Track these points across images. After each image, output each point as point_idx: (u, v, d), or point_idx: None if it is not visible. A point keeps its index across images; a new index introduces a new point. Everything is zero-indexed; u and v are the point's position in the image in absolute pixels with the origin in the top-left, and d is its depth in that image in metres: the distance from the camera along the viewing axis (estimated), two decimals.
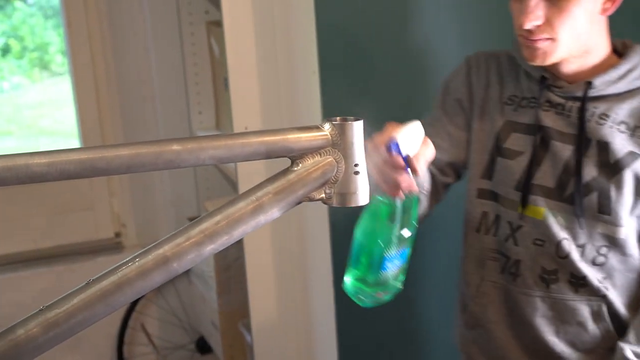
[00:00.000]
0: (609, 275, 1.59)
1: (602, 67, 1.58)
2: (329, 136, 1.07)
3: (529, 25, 1.47)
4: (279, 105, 2.44)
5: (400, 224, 1.38)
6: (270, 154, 1.05)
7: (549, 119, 1.60)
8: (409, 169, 1.30)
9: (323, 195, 1.09)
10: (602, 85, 1.55)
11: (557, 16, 1.47)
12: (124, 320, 3.29)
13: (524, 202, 1.58)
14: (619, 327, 1.61)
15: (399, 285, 1.44)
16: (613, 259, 1.59)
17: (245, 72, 2.41)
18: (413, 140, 1.34)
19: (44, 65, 3.60)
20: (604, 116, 1.54)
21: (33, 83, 3.60)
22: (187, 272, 3.29)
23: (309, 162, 1.07)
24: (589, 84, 1.55)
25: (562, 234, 1.58)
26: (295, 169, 1.07)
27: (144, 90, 3.26)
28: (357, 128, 1.08)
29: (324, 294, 2.45)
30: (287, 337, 2.62)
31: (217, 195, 3.24)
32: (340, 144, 1.07)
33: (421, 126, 1.36)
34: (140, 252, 1.01)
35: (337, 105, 2.28)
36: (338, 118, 1.08)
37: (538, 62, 1.52)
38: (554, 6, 1.47)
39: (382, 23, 2.36)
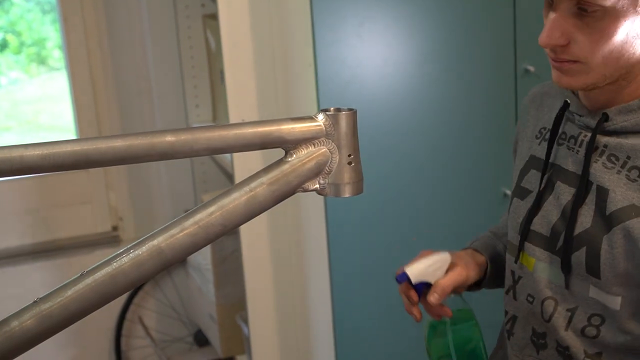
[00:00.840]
0: (603, 352, 1.30)
1: (635, 96, 1.29)
2: (323, 127, 1.07)
3: (546, 44, 1.23)
4: (275, 98, 2.45)
5: (454, 344, 1.47)
6: (264, 145, 1.05)
7: (561, 154, 1.37)
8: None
9: (317, 185, 1.08)
10: (618, 116, 1.27)
11: (587, 37, 1.20)
12: (122, 313, 3.29)
13: (520, 249, 1.40)
14: None
15: None
16: (607, 334, 1.30)
17: (241, 65, 2.41)
18: (434, 268, 1.45)
19: (42, 61, 3.60)
20: (614, 157, 1.28)
21: (31, 78, 3.60)
22: (184, 265, 3.29)
23: (303, 152, 1.07)
24: (604, 115, 1.28)
25: (547, 291, 1.34)
26: (289, 159, 1.07)
27: (141, 84, 3.26)
28: (350, 118, 1.08)
29: (321, 286, 2.45)
30: (285, 329, 2.63)
31: (214, 187, 3.25)
32: (334, 135, 1.07)
33: (449, 256, 1.48)
34: (134, 243, 1.01)
35: (333, 97, 2.28)
36: (332, 108, 1.08)
37: (564, 86, 1.29)
38: (583, 24, 1.20)
39: (379, 15, 2.36)
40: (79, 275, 0.99)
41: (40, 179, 3.24)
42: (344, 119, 1.08)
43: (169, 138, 1.00)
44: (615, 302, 1.28)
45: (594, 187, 1.29)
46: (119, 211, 3.35)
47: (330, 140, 1.08)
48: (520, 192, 1.44)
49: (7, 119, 3.63)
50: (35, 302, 0.97)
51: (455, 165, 2.55)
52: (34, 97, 3.66)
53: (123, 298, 3.27)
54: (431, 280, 1.45)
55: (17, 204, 3.21)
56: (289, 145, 1.07)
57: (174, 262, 1.03)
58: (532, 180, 1.42)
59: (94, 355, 3.33)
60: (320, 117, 1.08)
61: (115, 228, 3.36)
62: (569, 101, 1.36)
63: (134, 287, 1.02)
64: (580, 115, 1.33)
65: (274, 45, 2.41)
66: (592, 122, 1.30)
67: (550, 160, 1.39)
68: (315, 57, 2.24)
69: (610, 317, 1.29)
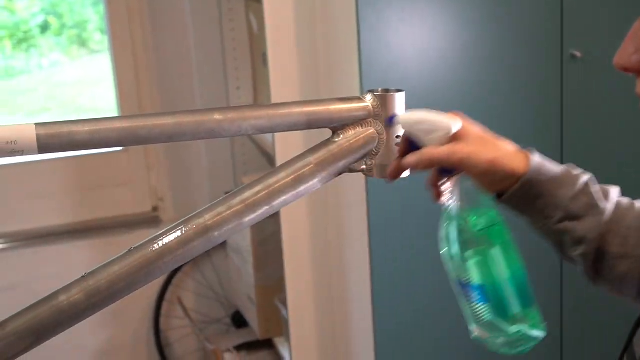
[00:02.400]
0: None
1: None
2: (371, 107, 1.07)
3: (617, 62, 0.97)
4: (318, 81, 2.44)
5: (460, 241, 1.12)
6: (311, 125, 1.05)
7: None
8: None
9: (364, 166, 1.08)
10: None
11: None
12: (161, 293, 3.32)
13: None
14: None
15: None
16: None
17: (284, 48, 2.41)
18: (428, 128, 1.09)
19: (83, 43, 3.62)
20: None
21: (71, 60, 3.62)
22: (224, 246, 3.31)
23: (350, 133, 1.07)
24: None
25: None
26: (337, 139, 1.07)
27: (183, 67, 3.27)
28: (399, 99, 1.07)
29: (360, 269, 2.45)
30: (323, 312, 2.63)
31: (254, 169, 3.25)
32: (381, 115, 1.07)
33: (453, 125, 1.11)
34: (181, 220, 1.02)
35: (376, 81, 2.26)
36: (380, 89, 1.08)
37: None
38: None
39: None
40: (126, 251, 1.00)
41: (81, 159, 3.27)
42: (392, 100, 1.07)
43: (217, 116, 1.00)
44: None
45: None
46: (159, 192, 3.38)
47: (377, 121, 1.07)
48: None
49: (47, 100, 3.66)
50: (83, 276, 0.98)
51: None
52: (74, 80, 3.68)
53: (162, 278, 3.29)
54: (420, 140, 1.09)
55: (58, 183, 3.24)
56: (336, 125, 1.07)
57: (220, 241, 1.03)
58: None
59: (133, 335, 3.36)
60: (369, 97, 1.07)
61: (155, 209, 3.38)
62: None
63: (181, 264, 1.02)
64: None
65: (317, 27, 2.40)
66: None
67: None
68: (359, 40, 2.23)
69: None
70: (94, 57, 3.63)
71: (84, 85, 3.71)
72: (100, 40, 3.56)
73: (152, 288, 3.30)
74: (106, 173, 3.30)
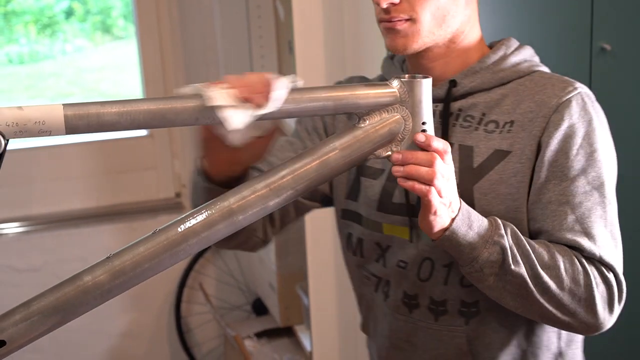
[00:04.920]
0: (480, 300, 1.36)
1: (470, 63, 1.38)
2: (397, 93, 1.07)
3: (385, 3, 1.28)
4: (344, 69, 2.43)
5: None
6: (337, 110, 1.05)
7: None
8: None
9: (389, 152, 1.08)
10: (465, 80, 1.36)
11: None
12: (183, 279, 3.33)
13: (386, 222, 1.40)
14: None
15: None
16: None
17: (311, 35, 2.40)
18: None
19: (106, 29, 3.63)
20: (469, 118, 1.36)
21: (95, 46, 3.64)
22: None
23: (376, 119, 1.06)
24: (452, 83, 1.36)
25: (424, 253, 1.37)
26: (362, 125, 1.06)
27: (208, 54, 3.27)
28: (425, 85, 1.07)
29: None
30: (345, 300, 2.63)
31: None
32: (408, 102, 1.06)
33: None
34: (206, 204, 1.02)
35: None
36: (406, 75, 1.07)
37: (401, 49, 1.31)
38: None
39: None
40: (151, 233, 1.00)
41: (106, 144, 3.29)
42: (418, 86, 1.07)
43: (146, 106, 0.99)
44: None
45: (455, 147, 1.33)
46: (183, 178, 3.39)
47: (404, 107, 1.07)
48: (368, 171, 1.43)
49: (70, 85, 3.68)
50: (108, 257, 0.99)
51: None
52: (97, 65, 3.70)
53: (184, 264, 3.31)
54: None
55: (83, 167, 3.26)
56: (363, 111, 1.07)
57: (244, 224, 1.03)
58: (380, 161, 1.40)
59: (154, 319, 3.38)
60: (395, 83, 1.07)
61: (178, 195, 3.40)
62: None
63: (205, 247, 1.03)
64: None
65: (344, 15, 2.40)
66: (441, 92, 1.36)
67: None
68: None
69: None
70: (117, 43, 3.64)
71: (108, 71, 3.73)
72: (124, 27, 3.58)
73: (173, 274, 3.31)
74: (131, 158, 3.31)
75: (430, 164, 1.07)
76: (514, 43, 1.46)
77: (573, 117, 1.32)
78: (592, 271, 1.27)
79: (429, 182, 1.08)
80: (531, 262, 1.22)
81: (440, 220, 1.14)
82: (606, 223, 1.31)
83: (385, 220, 1.40)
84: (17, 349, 0.97)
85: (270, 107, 1.00)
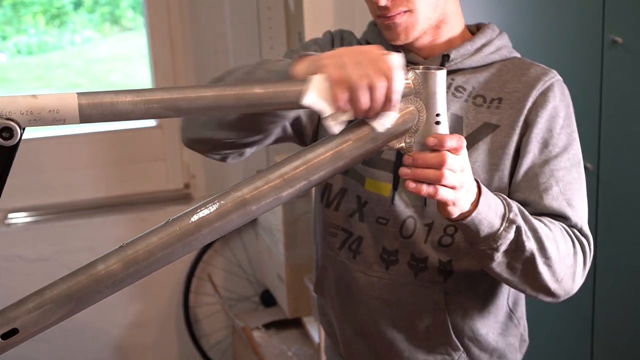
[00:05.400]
0: (454, 258, 1.45)
1: (456, 42, 1.49)
2: (412, 84, 1.06)
3: (384, 1, 1.35)
4: None
5: None
6: None
7: None
8: None
9: (403, 144, 1.08)
10: (458, 57, 1.45)
11: None
12: (191, 270, 3.34)
13: (369, 177, 1.46)
14: (455, 322, 1.49)
15: None
16: (460, 240, 1.44)
17: (321, 27, 2.40)
18: None
19: (115, 20, 3.63)
20: (461, 89, 1.44)
21: (104, 37, 3.64)
22: (254, 225, 3.32)
23: None
24: (445, 57, 1.45)
25: (407, 211, 1.44)
26: None
27: (218, 44, 3.27)
28: (440, 77, 1.06)
29: None
30: None
31: (287, 149, 3.24)
32: (422, 93, 1.06)
33: None
34: (219, 194, 1.02)
35: None
36: (421, 67, 1.07)
37: (402, 40, 1.40)
38: None
39: None
40: (164, 222, 1.01)
41: (115, 134, 3.29)
42: (433, 78, 1.06)
43: (258, 90, 1.00)
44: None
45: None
46: (192, 169, 3.39)
47: (418, 99, 1.07)
48: None
49: (78, 76, 3.68)
50: (121, 246, 0.99)
51: None
52: (106, 56, 3.70)
53: (192, 255, 3.31)
54: None
55: (92, 157, 3.26)
56: None
57: (257, 215, 1.03)
58: None
59: (163, 310, 3.38)
60: (410, 75, 1.07)
61: (187, 185, 3.40)
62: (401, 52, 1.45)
63: (218, 236, 1.03)
64: (416, 64, 1.45)
65: (355, 7, 2.39)
66: (434, 64, 1.44)
67: None
68: None
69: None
70: (126, 34, 3.64)
71: (116, 62, 3.73)
72: (132, 18, 3.57)
73: (182, 264, 3.32)
74: (140, 149, 3.31)
75: (439, 165, 1.07)
76: (496, 28, 1.57)
77: (556, 99, 1.46)
78: (577, 241, 1.40)
79: (437, 184, 1.09)
80: (538, 237, 1.29)
81: (457, 208, 1.17)
82: (582, 197, 1.45)
83: (369, 174, 1.45)
84: (29, 337, 0.98)
85: (378, 127, 1.06)
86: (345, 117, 1.03)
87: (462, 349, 1.51)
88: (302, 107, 1.02)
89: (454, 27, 1.48)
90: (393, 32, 1.39)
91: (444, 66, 1.43)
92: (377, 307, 1.50)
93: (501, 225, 1.24)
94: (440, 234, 1.43)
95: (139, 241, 0.99)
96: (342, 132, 1.05)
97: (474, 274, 1.46)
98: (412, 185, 1.08)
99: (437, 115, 1.06)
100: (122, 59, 3.73)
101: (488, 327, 1.52)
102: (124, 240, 1.00)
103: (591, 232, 1.55)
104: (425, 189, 1.09)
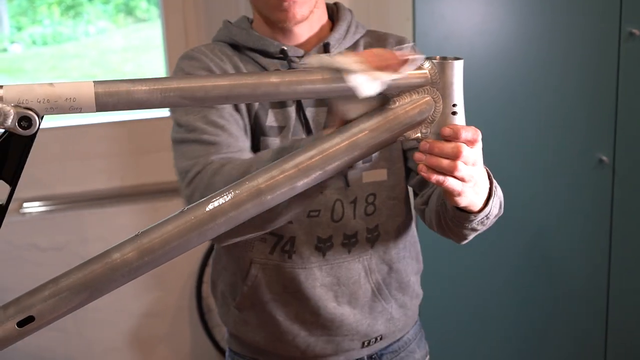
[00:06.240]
0: (378, 223, 1.59)
1: (324, 29, 1.60)
2: (428, 74, 1.05)
3: None
4: None
5: None
6: None
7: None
8: None
9: (419, 134, 1.07)
10: (336, 43, 1.56)
11: None
12: (204, 259, 3.34)
13: None
14: (385, 277, 1.64)
15: None
16: (380, 204, 1.58)
17: None
18: None
19: (129, 11, 3.63)
20: None
21: (118, 28, 3.64)
22: None
23: (407, 100, 1.06)
24: (327, 45, 1.55)
25: (333, 196, 1.55)
26: (392, 106, 1.06)
27: None
28: (457, 67, 1.05)
29: None
30: None
31: None
32: (439, 83, 1.05)
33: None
34: (234, 183, 1.02)
35: (430, 52, 2.24)
36: (438, 57, 1.06)
37: (293, 20, 1.50)
38: None
39: None
40: (179, 212, 1.00)
41: (129, 124, 3.30)
42: (450, 68, 1.06)
43: (274, 79, 1.00)
44: (382, 174, 1.58)
45: None
46: None
47: (434, 89, 1.06)
48: (270, 131, 1.54)
49: (93, 66, 3.68)
50: (136, 235, 0.99)
51: (550, 126, 2.50)
52: (120, 47, 3.70)
53: (206, 245, 3.32)
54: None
55: (107, 147, 3.27)
56: (393, 91, 1.06)
57: (272, 204, 1.03)
58: (279, 118, 1.54)
59: (175, 300, 3.39)
60: (427, 64, 1.06)
61: None
62: (285, 47, 1.54)
63: (232, 226, 1.02)
64: (300, 57, 1.55)
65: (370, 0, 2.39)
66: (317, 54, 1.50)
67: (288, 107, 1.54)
68: (414, 11, 2.21)
69: (381, 189, 1.58)
70: (140, 25, 3.64)
71: (130, 52, 3.73)
72: (146, 9, 3.58)
73: (195, 255, 3.32)
74: (153, 139, 3.32)
75: (455, 157, 1.07)
76: (344, 6, 1.65)
77: None
78: None
79: (449, 174, 1.09)
80: (500, 202, 1.36)
81: (463, 199, 1.19)
82: None
83: None
84: (45, 324, 0.98)
85: (407, 69, 1.02)
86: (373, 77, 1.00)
87: (392, 300, 1.65)
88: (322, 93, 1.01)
89: (322, 13, 1.59)
90: (288, 13, 1.48)
91: (328, 53, 1.49)
92: (322, 294, 1.58)
93: (492, 201, 1.29)
94: (364, 205, 1.56)
95: (155, 230, 0.99)
96: (358, 122, 1.05)
97: (397, 228, 1.62)
98: (424, 171, 1.09)
99: (454, 105, 1.06)
100: (136, 49, 3.73)
101: (410, 272, 1.68)
102: (137, 230, 1.00)
103: (606, 224, 1.57)
104: (435, 177, 1.09)
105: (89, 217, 3.23)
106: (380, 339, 1.67)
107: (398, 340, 1.71)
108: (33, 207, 3.19)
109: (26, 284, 1.11)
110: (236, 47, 1.60)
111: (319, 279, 1.57)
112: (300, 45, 1.57)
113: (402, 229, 1.65)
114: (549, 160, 2.52)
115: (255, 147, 1.53)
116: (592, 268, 2.61)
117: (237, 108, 1.51)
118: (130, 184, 3.31)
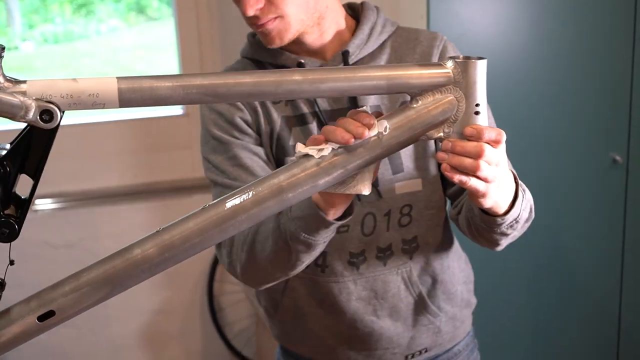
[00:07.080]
0: (417, 234, 1.54)
1: (345, 33, 1.53)
2: (451, 74, 1.05)
3: (251, 12, 1.42)
4: None
5: None
6: (391, 89, 1.04)
7: (320, 101, 1.51)
8: None
9: (441, 134, 1.06)
10: (356, 50, 1.50)
11: None
12: (216, 258, 3.34)
13: None
14: (429, 289, 1.60)
15: None
16: (417, 215, 1.53)
17: None
18: None
19: (141, 10, 3.64)
20: None
21: (129, 27, 3.65)
22: None
23: (429, 99, 1.05)
24: (346, 54, 1.49)
25: (364, 210, 1.50)
26: (415, 105, 1.05)
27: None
28: (480, 67, 1.05)
29: None
30: None
31: None
32: (462, 83, 1.05)
33: None
34: (256, 180, 1.02)
35: None
36: (461, 56, 1.06)
37: (277, 44, 1.45)
38: None
39: None
40: (200, 208, 1.01)
41: (142, 122, 3.30)
42: (473, 67, 1.05)
43: (297, 77, 1.00)
44: (417, 184, 1.53)
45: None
46: None
47: (457, 89, 1.05)
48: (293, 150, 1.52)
49: (105, 65, 3.69)
50: (157, 231, 0.99)
51: (563, 126, 2.49)
52: (131, 46, 3.71)
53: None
54: None
55: (119, 145, 3.28)
56: (416, 91, 1.05)
57: (293, 202, 1.03)
58: (303, 135, 1.50)
59: (187, 298, 3.40)
60: (449, 64, 1.05)
61: None
62: (303, 61, 1.51)
63: (253, 223, 1.02)
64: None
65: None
66: (336, 64, 1.50)
67: (314, 110, 1.51)
68: (428, 8, 2.21)
69: (417, 200, 1.53)
70: (151, 24, 3.65)
71: (142, 51, 3.74)
72: (157, 8, 3.58)
73: (207, 253, 3.33)
74: (166, 137, 3.32)
75: (477, 156, 1.06)
76: (371, 5, 1.59)
77: (457, 53, 1.52)
78: None
79: (472, 174, 1.08)
80: (529, 206, 1.35)
81: (488, 200, 1.17)
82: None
83: None
84: (66, 319, 0.98)
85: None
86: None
87: (440, 313, 1.61)
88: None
89: (336, 18, 1.51)
90: (267, 38, 1.45)
91: (348, 63, 1.48)
92: (357, 307, 1.56)
93: (520, 204, 1.27)
94: (398, 217, 1.52)
95: (176, 226, 0.99)
96: (381, 121, 1.05)
97: (437, 238, 1.58)
98: (447, 170, 1.08)
99: (477, 105, 1.05)
100: (148, 48, 3.74)
101: (456, 281, 1.63)
102: (150, 228, 1.00)
103: (620, 224, 1.56)
104: (458, 176, 1.08)
105: (101, 215, 3.24)
106: (425, 351, 1.63)
107: (447, 351, 1.67)
108: (45, 204, 3.19)
109: (38, 281, 1.11)
110: (260, 63, 1.59)
111: (353, 292, 1.55)
112: (318, 55, 1.52)
113: (443, 239, 1.60)
114: (562, 160, 2.52)
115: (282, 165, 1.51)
116: (605, 268, 2.60)
117: (260, 142, 1.53)
118: (143, 181, 3.32)
